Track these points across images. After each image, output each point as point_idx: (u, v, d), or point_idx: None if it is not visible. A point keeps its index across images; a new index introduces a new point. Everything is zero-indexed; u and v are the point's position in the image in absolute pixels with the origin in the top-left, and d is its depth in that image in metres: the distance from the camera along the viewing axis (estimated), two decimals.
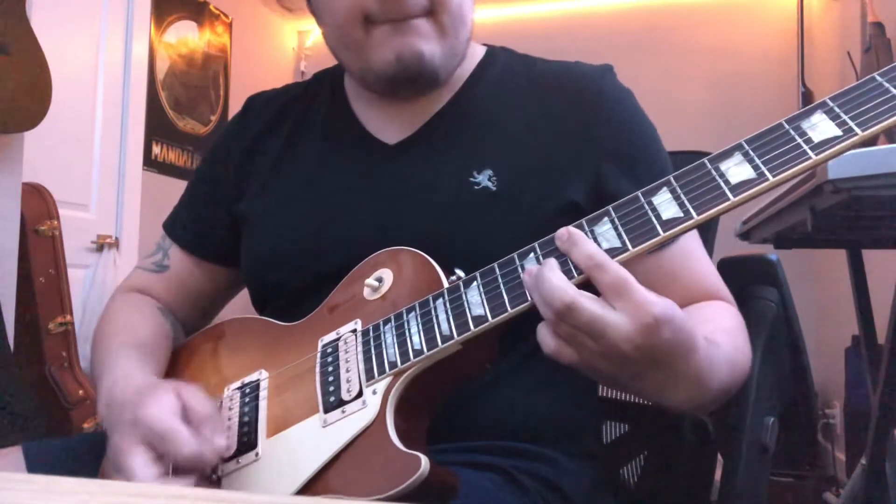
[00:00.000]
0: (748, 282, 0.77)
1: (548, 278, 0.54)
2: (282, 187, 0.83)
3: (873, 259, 1.62)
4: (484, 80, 0.83)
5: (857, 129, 0.51)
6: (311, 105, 0.89)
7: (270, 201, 0.83)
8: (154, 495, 0.36)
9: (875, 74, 0.52)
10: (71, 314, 2.09)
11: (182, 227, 0.92)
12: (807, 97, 3.06)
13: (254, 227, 0.84)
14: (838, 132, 0.52)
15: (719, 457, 0.80)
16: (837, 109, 0.52)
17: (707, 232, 0.93)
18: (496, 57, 0.86)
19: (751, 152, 0.54)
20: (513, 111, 0.79)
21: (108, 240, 2.65)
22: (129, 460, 0.60)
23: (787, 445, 0.76)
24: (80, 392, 2.00)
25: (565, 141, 0.76)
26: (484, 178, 0.74)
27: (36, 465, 0.77)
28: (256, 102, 0.93)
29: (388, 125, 0.82)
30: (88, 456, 0.80)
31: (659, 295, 0.54)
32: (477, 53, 0.86)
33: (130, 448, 0.60)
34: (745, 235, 1.67)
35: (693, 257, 0.75)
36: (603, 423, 0.86)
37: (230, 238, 0.88)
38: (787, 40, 3.37)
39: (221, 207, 0.89)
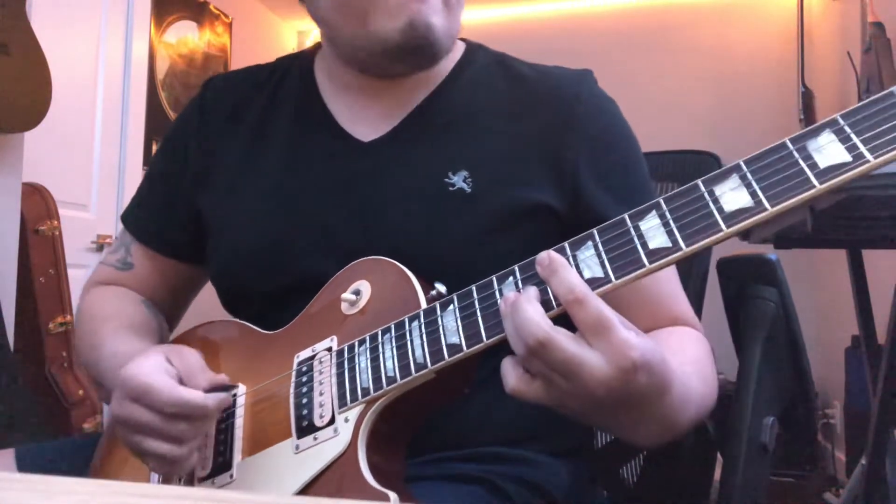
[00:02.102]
0: (748, 282, 0.76)
1: (524, 310, 0.51)
2: (250, 186, 0.80)
3: (873, 259, 1.62)
4: (462, 79, 0.81)
5: (868, 156, 0.45)
6: (278, 94, 0.85)
7: (238, 201, 0.80)
8: (154, 495, 0.36)
9: (894, 88, 0.46)
10: (71, 314, 2.09)
11: (143, 224, 0.89)
12: (807, 97, 3.06)
13: (221, 229, 0.81)
14: (847, 158, 0.46)
15: (719, 457, 0.80)
16: (848, 130, 0.46)
17: None
18: (474, 55, 0.84)
19: (748, 176, 0.49)
20: (489, 113, 0.78)
21: (108, 240, 2.65)
22: (133, 416, 0.62)
23: (787, 445, 0.76)
24: (80, 392, 2.00)
25: (540, 146, 0.75)
26: (459, 180, 0.73)
27: (28, 468, 0.76)
28: (215, 88, 0.89)
29: (361, 120, 0.80)
30: (81, 458, 0.80)
31: (640, 334, 0.52)
32: (457, 50, 0.84)
33: (124, 406, 0.63)
34: (744, 235, 1.68)
35: (663, 279, 0.74)
36: None
37: (194, 234, 0.85)
38: (787, 40, 3.37)
39: (183, 203, 0.85)
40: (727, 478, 0.72)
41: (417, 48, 0.73)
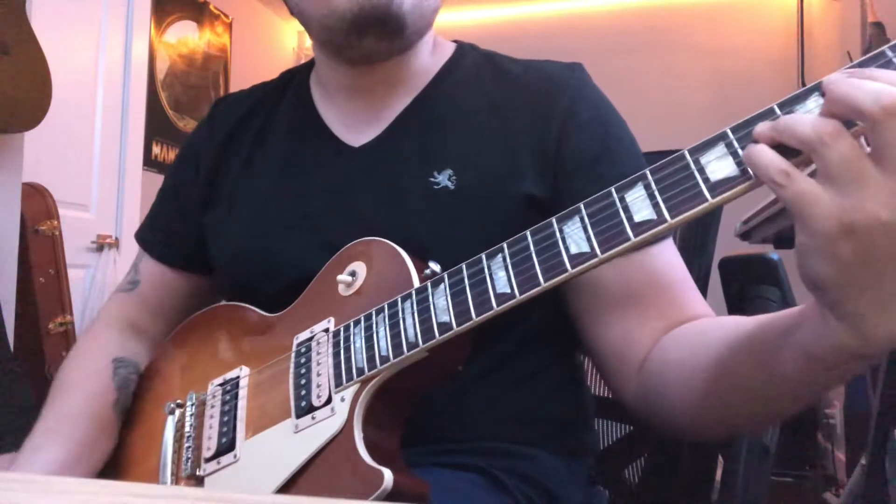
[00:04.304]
0: (750, 282, 0.76)
1: (871, 77, 0.42)
2: (248, 194, 0.83)
3: None
4: (450, 79, 0.82)
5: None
6: (278, 106, 0.88)
7: (237, 209, 0.83)
8: (155, 496, 0.36)
9: (887, 48, 0.44)
10: (71, 314, 2.09)
11: (153, 237, 0.92)
12: None
13: (223, 235, 0.83)
14: None
15: (720, 457, 0.80)
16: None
17: (709, 231, 0.93)
18: (464, 55, 0.85)
19: (734, 143, 0.47)
20: (477, 111, 0.78)
21: (108, 240, 2.65)
22: None
23: (787, 445, 0.76)
24: None
25: (525, 137, 0.75)
26: (444, 178, 0.74)
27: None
28: (223, 106, 0.91)
29: (352, 125, 0.81)
30: None
31: None
32: (447, 50, 0.85)
33: None
34: (745, 235, 1.68)
35: (675, 266, 0.72)
36: (592, 420, 0.86)
37: (203, 245, 0.87)
38: (787, 40, 3.37)
39: (192, 216, 0.88)
40: (728, 479, 0.72)
41: (378, 19, 0.72)
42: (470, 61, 0.84)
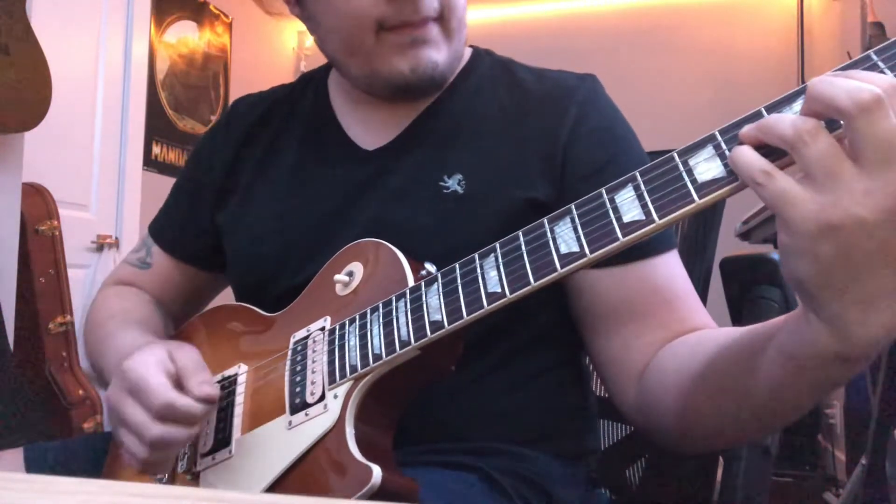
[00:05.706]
0: (751, 282, 0.76)
1: (846, 76, 0.43)
2: (263, 192, 0.84)
3: None
4: (465, 86, 0.83)
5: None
6: (295, 108, 0.89)
7: (252, 206, 0.84)
8: (154, 495, 0.36)
9: (872, 52, 0.46)
10: (71, 314, 2.09)
11: (165, 231, 0.94)
12: None
13: (237, 235, 0.85)
14: None
15: (720, 458, 0.80)
16: None
17: (710, 232, 0.93)
18: (480, 61, 0.86)
19: (723, 144, 0.48)
20: (489, 118, 0.79)
21: (108, 240, 2.65)
22: (122, 409, 0.64)
23: (787, 445, 0.76)
24: (80, 392, 2.00)
25: (534, 145, 0.76)
26: (454, 183, 0.75)
27: (35, 467, 0.77)
28: (241, 106, 0.93)
29: (369, 130, 0.83)
30: (88, 457, 0.80)
31: None
32: (463, 57, 0.86)
33: (120, 397, 0.65)
34: (745, 235, 1.67)
35: (677, 276, 0.72)
36: (594, 423, 0.86)
37: (213, 243, 0.89)
38: (787, 40, 3.37)
39: (204, 214, 0.89)
40: (728, 479, 0.72)
41: (423, 86, 0.77)
42: (485, 68, 0.85)
